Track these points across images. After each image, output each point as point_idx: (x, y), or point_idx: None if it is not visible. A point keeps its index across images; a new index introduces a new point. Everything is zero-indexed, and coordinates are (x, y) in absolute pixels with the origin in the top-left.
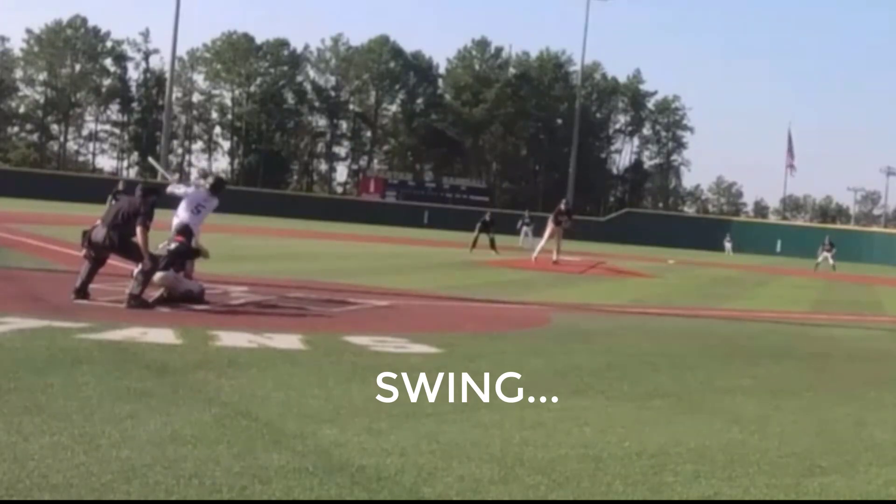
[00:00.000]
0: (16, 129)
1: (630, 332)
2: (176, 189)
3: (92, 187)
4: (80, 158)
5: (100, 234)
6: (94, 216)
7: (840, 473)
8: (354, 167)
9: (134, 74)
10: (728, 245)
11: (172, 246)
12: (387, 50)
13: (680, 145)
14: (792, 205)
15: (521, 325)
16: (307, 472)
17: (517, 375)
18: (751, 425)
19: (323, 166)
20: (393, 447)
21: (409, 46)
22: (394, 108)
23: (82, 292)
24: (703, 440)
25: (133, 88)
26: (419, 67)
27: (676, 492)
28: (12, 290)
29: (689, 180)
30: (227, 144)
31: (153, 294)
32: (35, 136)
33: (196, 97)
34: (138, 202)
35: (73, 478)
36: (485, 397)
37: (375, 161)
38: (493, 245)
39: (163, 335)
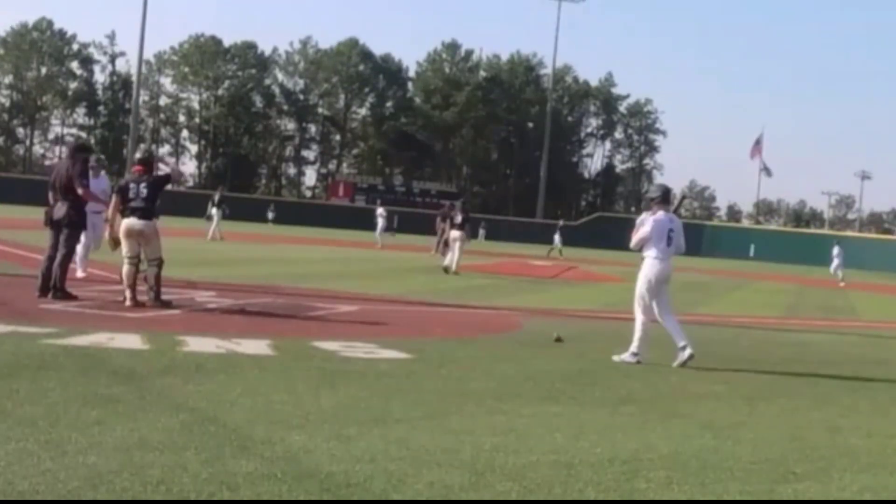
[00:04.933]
0: None
1: (602, 337)
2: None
3: None
4: (47, 162)
5: (61, 211)
6: None
7: (814, 480)
8: (323, 171)
9: (100, 77)
10: (557, 238)
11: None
12: (356, 53)
13: (652, 149)
14: (766, 209)
15: (492, 331)
16: (276, 479)
17: (488, 381)
18: (724, 431)
19: (292, 170)
20: (362, 453)
21: (378, 49)
22: (363, 111)
23: (46, 288)
24: (676, 446)
25: (100, 92)
26: (389, 70)
27: (649, 498)
28: None
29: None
30: (194, 148)
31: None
32: (0, 140)
33: (163, 100)
34: (70, 164)
35: (39, 484)
36: (455, 403)
37: (345, 165)
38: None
39: (130, 340)
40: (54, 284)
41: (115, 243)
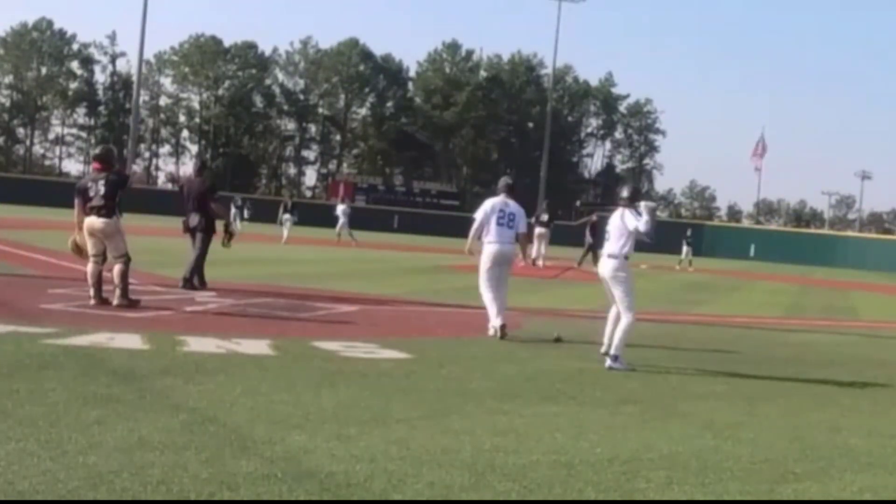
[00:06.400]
0: None
1: (602, 337)
2: None
3: (58, 191)
4: (47, 162)
5: (195, 220)
6: (61, 220)
7: (814, 480)
8: (323, 171)
9: (101, 77)
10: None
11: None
12: (356, 53)
13: (652, 149)
14: (766, 209)
15: None
16: (276, 479)
17: (488, 381)
18: (724, 431)
19: (292, 170)
20: (362, 453)
21: (378, 49)
22: (363, 111)
23: (190, 282)
24: (676, 446)
25: (100, 92)
26: (389, 70)
27: (649, 498)
28: None
29: (661, 184)
30: (194, 148)
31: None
32: (0, 140)
33: (163, 100)
34: (200, 181)
35: (39, 484)
36: (455, 403)
37: (345, 165)
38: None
39: (130, 340)
40: (189, 277)
41: (79, 249)
